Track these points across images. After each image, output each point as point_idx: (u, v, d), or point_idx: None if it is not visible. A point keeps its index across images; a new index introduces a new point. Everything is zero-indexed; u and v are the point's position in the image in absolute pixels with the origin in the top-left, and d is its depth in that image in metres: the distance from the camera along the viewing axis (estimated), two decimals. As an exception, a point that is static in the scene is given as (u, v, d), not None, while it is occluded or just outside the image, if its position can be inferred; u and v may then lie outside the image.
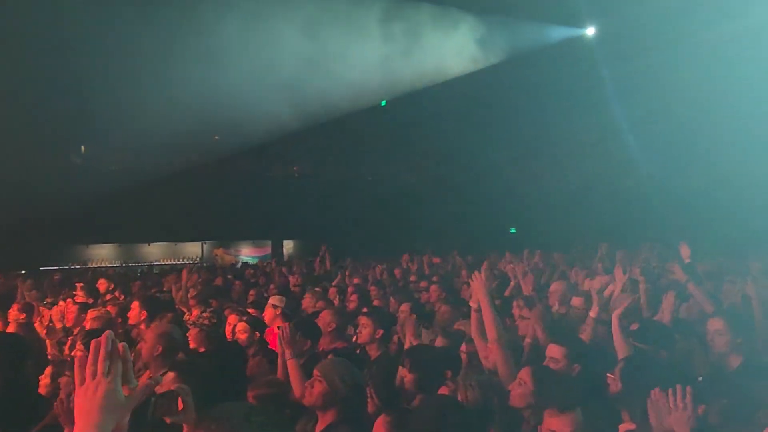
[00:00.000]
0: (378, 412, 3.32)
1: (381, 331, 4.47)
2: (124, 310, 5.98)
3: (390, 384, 3.50)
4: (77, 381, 1.41)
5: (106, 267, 15.96)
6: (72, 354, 4.33)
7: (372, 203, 18.44)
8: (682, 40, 16.04)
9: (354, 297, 6.34)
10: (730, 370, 3.58)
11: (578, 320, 4.86)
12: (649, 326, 4.05)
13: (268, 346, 4.85)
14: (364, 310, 5.31)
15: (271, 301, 5.48)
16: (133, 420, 1.46)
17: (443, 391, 3.31)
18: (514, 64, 17.08)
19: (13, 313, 6.07)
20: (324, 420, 3.00)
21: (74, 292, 7.69)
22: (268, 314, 5.34)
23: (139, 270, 15.56)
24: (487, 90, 17.74)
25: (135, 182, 15.06)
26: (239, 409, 1.59)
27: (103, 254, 18.26)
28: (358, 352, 4.48)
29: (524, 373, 3.08)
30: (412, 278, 8.74)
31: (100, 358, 1.41)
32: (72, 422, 2.85)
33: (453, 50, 16.49)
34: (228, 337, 5.00)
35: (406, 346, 4.13)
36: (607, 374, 3.19)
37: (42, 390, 3.55)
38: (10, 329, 5.62)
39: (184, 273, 7.68)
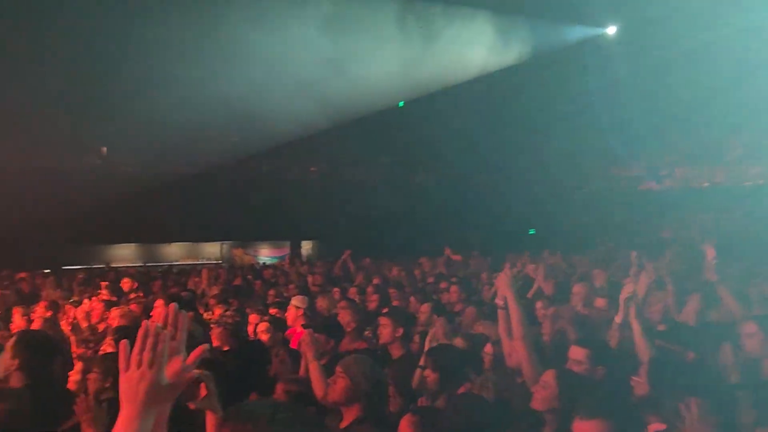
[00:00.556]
0: (400, 411, 3.33)
1: (401, 330, 4.48)
2: (147, 308, 6.06)
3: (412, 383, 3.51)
4: (122, 368, 1.43)
5: (128, 266, 16.14)
6: (101, 350, 4.38)
7: (390, 204, 18.46)
8: (706, 39, 15.78)
9: (374, 297, 6.35)
10: (764, 374, 3.51)
11: (602, 322, 4.82)
12: (677, 327, 4.00)
13: (290, 346, 4.88)
14: (384, 310, 5.31)
15: (293, 301, 5.52)
16: None
17: (462, 390, 3.31)
18: (533, 65, 17.00)
19: (40, 310, 6.18)
20: (348, 417, 3.02)
21: (99, 291, 7.81)
22: (291, 314, 5.38)
23: (160, 269, 15.74)
24: (505, 90, 17.66)
25: (156, 183, 15.26)
26: (266, 406, 1.60)
27: (125, 254, 18.51)
28: (379, 352, 4.48)
29: (548, 376, 3.05)
30: (430, 279, 8.74)
31: (147, 347, 1.43)
32: (91, 421, 2.90)
33: (471, 50, 16.46)
34: (249, 336, 5.05)
35: (426, 347, 4.12)
36: (632, 377, 3.16)
37: (71, 386, 3.60)
38: (35, 326, 5.71)
39: (204, 273, 7.77)
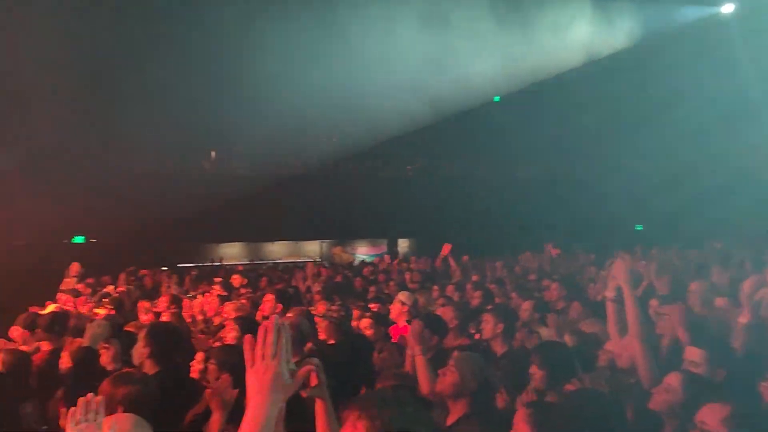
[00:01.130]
0: (508, 407, 3.30)
1: (501, 326, 4.45)
2: (256, 303, 6.39)
3: (520, 379, 3.46)
4: (248, 362, 1.53)
5: (235, 264, 17.04)
6: (219, 341, 4.66)
7: (487, 200, 18.19)
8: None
9: (477, 294, 6.32)
10: None
11: (722, 322, 4.50)
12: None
13: (393, 341, 4.96)
14: (488, 307, 5.27)
15: (399, 296, 5.60)
16: None
17: (570, 388, 3.22)
18: (640, 50, 16.03)
19: (162, 304, 6.70)
20: (455, 412, 3.04)
21: (212, 287, 8.34)
22: (395, 310, 5.46)
23: (264, 266, 16.49)
24: (609, 78, 16.82)
25: (261, 184, 16.00)
26: (395, 395, 1.64)
27: (233, 252, 19.54)
28: (483, 347, 4.45)
29: (673, 379, 2.89)
30: (532, 276, 8.54)
31: (268, 341, 1.52)
32: (220, 406, 3.11)
33: (571, 37, 15.80)
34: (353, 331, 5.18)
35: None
36: (761, 383, 2.94)
37: (194, 374, 3.87)
38: (162, 319, 6.18)
39: (309, 269, 8.07)
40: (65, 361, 4.12)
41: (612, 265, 3.72)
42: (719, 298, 5.21)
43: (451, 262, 9.15)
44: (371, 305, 6.13)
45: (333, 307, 4.86)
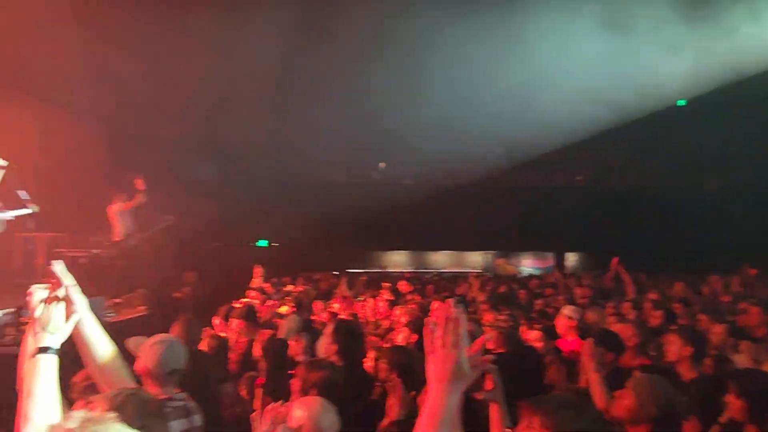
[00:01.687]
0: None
1: (690, 349, 4.07)
2: (424, 308, 6.55)
3: (712, 408, 3.14)
4: (427, 350, 1.59)
5: (401, 272, 17.57)
6: (389, 342, 4.87)
7: (667, 213, 16.70)
8: None
9: (658, 313, 5.85)
10: None
11: None
12: None
13: (562, 355, 4.79)
14: (672, 327, 4.86)
15: (565, 311, 5.40)
16: None
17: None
18: None
19: (336, 305, 7.17)
20: (636, 436, 2.85)
21: (380, 291, 8.72)
22: (562, 324, 5.27)
23: (428, 275, 16.80)
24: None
25: (426, 194, 16.35)
26: (572, 400, 1.61)
27: (398, 260, 20.19)
28: (668, 371, 4.11)
29: None
30: (725, 298, 7.67)
31: (449, 329, 1.57)
32: (391, 403, 3.25)
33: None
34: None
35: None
36: None
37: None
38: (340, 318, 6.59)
39: (475, 280, 8.08)
40: (257, 350, 4.60)
41: None
42: None
43: (625, 277, 8.55)
44: (538, 318, 5.97)
45: (501, 317, 4.82)
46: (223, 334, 5.41)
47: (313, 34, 14.14)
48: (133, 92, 11.79)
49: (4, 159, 6.36)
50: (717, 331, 5.09)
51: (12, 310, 5.66)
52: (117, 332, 2.53)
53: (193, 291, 9.28)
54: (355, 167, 18.77)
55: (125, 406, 1.81)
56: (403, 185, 17.98)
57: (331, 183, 17.68)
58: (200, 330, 4.67)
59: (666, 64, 13.86)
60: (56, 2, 10.25)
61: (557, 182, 19.55)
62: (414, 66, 14.31)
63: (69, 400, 1.99)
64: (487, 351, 4.65)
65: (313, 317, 6.67)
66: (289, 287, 9.67)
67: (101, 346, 2.15)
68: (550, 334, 5.14)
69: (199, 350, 4.35)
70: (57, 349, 1.90)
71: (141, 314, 7.46)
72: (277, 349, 4.29)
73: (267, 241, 17.67)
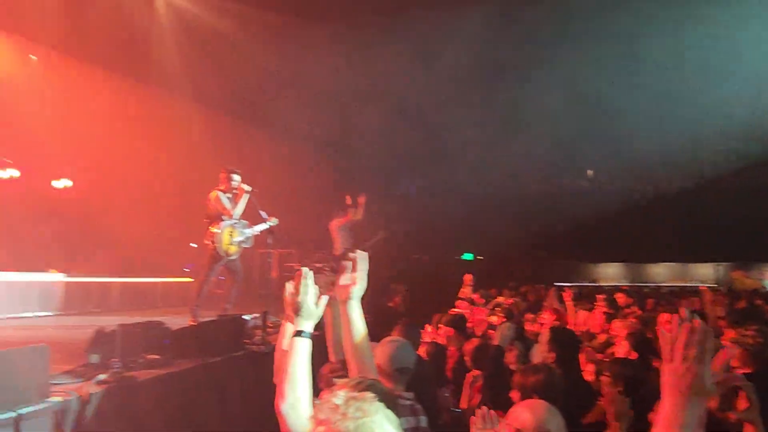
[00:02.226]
0: None
1: None
2: (645, 322, 6.05)
3: None
4: (666, 359, 1.49)
5: (614, 285, 16.41)
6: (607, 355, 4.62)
7: None
8: None
9: None
10: None
11: None
12: None
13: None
14: None
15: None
16: None
17: None
18: None
19: (548, 318, 6.95)
20: None
21: (595, 303, 8.23)
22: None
23: (646, 289, 15.45)
24: None
25: (641, 201, 15.16)
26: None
27: (610, 273, 18.89)
28: None
29: None
30: None
31: (692, 342, 1.45)
32: (615, 417, 3.07)
33: None
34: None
35: None
36: None
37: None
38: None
39: (708, 293, 7.25)
40: (468, 357, 4.67)
41: None
42: None
43: None
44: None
45: (748, 332, 4.23)
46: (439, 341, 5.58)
47: (521, 43, 14.05)
48: (352, 117, 12.87)
49: (248, 185, 7.43)
50: None
51: (257, 315, 6.52)
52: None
53: (404, 301, 9.73)
54: (562, 176, 18.12)
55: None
56: (614, 191, 16.87)
57: (536, 194, 17.28)
58: (419, 335, 4.89)
59: None
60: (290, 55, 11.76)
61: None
62: (629, 67, 13.46)
63: (316, 389, 2.23)
64: (729, 369, 4.17)
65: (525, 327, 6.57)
66: (500, 299, 9.65)
67: (361, 328, 2.39)
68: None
69: (419, 355, 4.56)
70: (310, 333, 2.15)
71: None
72: (493, 356, 4.31)
73: (472, 255, 17.86)
